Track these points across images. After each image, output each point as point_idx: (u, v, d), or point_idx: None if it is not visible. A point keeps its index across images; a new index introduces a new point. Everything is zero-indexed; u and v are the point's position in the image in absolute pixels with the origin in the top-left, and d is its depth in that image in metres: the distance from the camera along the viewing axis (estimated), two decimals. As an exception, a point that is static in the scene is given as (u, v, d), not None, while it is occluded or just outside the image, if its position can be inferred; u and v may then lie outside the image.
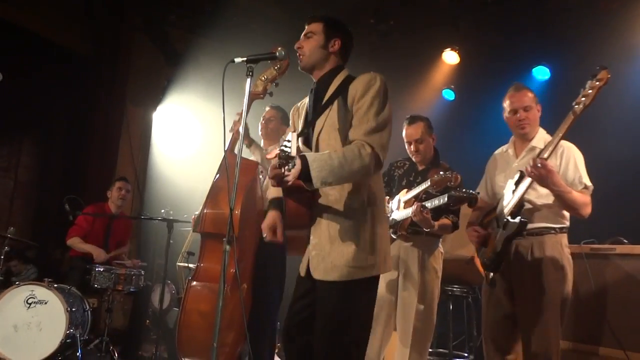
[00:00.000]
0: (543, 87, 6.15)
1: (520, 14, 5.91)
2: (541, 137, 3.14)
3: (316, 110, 2.45)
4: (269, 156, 2.22)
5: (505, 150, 3.34)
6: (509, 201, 3.02)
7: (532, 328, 2.90)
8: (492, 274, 3.10)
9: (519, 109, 3.15)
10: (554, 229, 3.01)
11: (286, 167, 2.04)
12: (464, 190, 3.20)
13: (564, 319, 2.95)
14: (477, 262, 4.37)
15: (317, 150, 2.39)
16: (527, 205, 3.02)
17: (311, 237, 2.37)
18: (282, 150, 2.05)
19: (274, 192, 2.61)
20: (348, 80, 2.42)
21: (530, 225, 2.98)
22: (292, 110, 2.71)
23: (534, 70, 6.32)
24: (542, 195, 3.00)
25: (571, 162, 3.00)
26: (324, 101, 2.43)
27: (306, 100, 2.61)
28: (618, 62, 5.42)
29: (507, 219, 2.99)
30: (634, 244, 3.78)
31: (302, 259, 2.47)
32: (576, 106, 2.73)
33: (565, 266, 2.96)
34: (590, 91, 2.68)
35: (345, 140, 2.32)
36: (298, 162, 2.14)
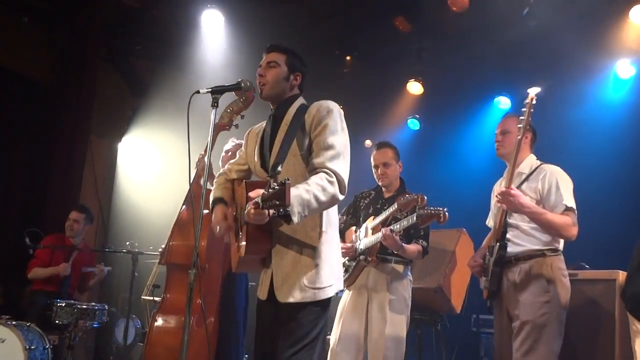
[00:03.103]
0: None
1: (482, 45, 6.12)
2: (528, 164, 3.26)
3: (274, 136, 2.53)
4: (252, 194, 2.20)
5: (500, 179, 3.46)
6: (494, 226, 3.17)
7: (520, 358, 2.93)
8: (488, 301, 3.22)
9: (497, 133, 3.33)
10: (541, 251, 3.08)
11: (271, 210, 2.06)
12: (431, 207, 3.27)
13: (557, 344, 2.96)
14: (445, 290, 4.42)
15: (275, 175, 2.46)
16: (515, 230, 3.13)
17: (273, 261, 2.43)
18: (266, 193, 2.05)
19: (217, 192, 2.68)
20: (303, 108, 2.52)
21: (518, 249, 3.10)
22: (246, 134, 2.77)
23: (495, 99, 6.52)
24: (526, 219, 3.09)
25: (553, 184, 3.09)
26: (282, 129, 2.50)
27: (263, 124, 2.68)
28: (576, 89, 5.68)
29: (493, 245, 3.13)
30: (596, 269, 3.87)
31: (261, 281, 2.53)
32: (518, 133, 3.00)
33: (553, 289, 2.99)
34: (525, 114, 2.97)
35: (307, 165, 2.41)
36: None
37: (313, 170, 2.36)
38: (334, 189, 2.30)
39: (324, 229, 2.43)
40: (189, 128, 2.45)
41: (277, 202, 2.02)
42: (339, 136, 2.40)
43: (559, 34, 5.52)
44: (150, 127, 6.99)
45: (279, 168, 2.40)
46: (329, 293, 2.41)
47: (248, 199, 2.26)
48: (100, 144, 6.92)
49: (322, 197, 2.26)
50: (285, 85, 2.55)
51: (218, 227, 2.54)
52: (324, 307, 2.43)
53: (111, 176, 7.11)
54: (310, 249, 2.40)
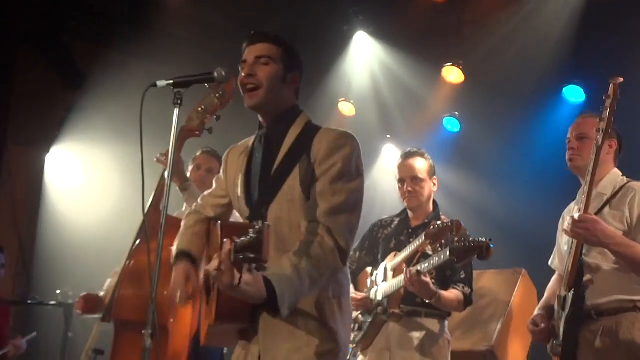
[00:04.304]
0: (577, 112, 6.32)
1: (543, 17, 6.12)
2: (611, 181, 3.23)
3: (266, 168, 2.49)
4: (226, 244, 2.09)
5: (573, 204, 3.43)
6: (566, 269, 3.12)
7: None
8: None
9: (571, 137, 3.32)
10: (632, 302, 3.04)
11: (247, 267, 2.01)
12: (470, 239, 3.22)
13: None
14: (498, 354, 4.40)
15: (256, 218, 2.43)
16: (594, 273, 3.09)
17: (261, 339, 2.39)
18: (239, 242, 1.98)
19: (183, 240, 2.64)
20: (309, 132, 2.47)
21: (598, 300, 3.05)
22: (226, 154, 2.73)
23: (564, 89, 6.49)
24: (610, 258, 3.06)
25: None
26: (279, 160, 2.46)
27: (249, 142, 2.63)
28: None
29: (564, 295, 3.08)
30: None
31: (240, 356, 2.51)
32: (598, 136, 2.98)
33: None
34: (606, 111, 2.96)
35: (304, 210, 2.39)
36: (262, 287, 2.11)
37: (310, 222, 2.36)
38: (333, 259, 2.31)
39: (332, 297, 2.43)
40: (142, 134, 2.41)
41: (252, 256, 1.96)
42: (349, 182, 2.38)
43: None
44: (90, 133, 7.00)
45: (264, 209, 2.41)
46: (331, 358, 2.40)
47: (221, 247, 2.13)
48: (20, 155, 6.94)
49: (318, 277, 2.27)
50: (282, 90, 2.50)
51: (178, 294, 2.51)
52: None
53: (35, 198, 7.11)
54: (316, 319, 2.37)
